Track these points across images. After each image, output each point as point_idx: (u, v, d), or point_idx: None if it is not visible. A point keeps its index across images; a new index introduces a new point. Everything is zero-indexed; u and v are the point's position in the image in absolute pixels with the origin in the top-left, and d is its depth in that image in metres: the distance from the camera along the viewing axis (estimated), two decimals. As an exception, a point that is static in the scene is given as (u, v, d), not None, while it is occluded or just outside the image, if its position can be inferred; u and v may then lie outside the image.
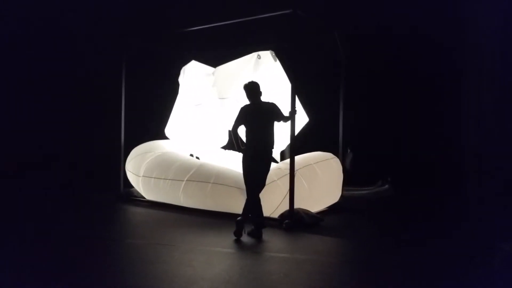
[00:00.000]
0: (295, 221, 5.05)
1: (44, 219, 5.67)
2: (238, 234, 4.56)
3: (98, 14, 8.98)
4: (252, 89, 4.84)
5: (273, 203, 5.30)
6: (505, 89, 6.86)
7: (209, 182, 5.72)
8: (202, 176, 5.85)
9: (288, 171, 5.24)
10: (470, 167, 7.52)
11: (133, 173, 6.75)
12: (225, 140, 6.72)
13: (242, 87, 4.92)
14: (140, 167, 6.59)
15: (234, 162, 6.43)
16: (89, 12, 9.01)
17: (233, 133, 5.79)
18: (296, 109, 5.11)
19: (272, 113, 4.81)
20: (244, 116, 4.82)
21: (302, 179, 5.47)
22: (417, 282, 3.37)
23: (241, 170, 4.85)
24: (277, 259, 3.90)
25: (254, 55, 6.20)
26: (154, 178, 6.30)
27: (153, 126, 7.95)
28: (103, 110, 8.87)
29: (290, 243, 4.55)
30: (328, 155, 6.25)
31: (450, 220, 5.81)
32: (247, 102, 4.92)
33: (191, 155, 6.97)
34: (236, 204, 5.26)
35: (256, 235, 4.61)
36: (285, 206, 5.20)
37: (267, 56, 6.21)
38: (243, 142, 5.43)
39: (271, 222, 5.06)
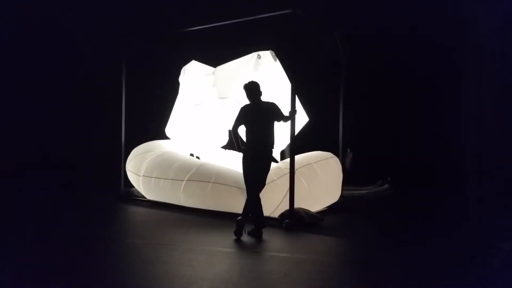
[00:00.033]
0: (295, 220, 5.05)
1: (44, 219, 5.67)
2: (238, 233, 4.56)
3: (98, 14, 8.99)
4: (252, 89, 4.84)
5: (273, 202, 5.30)
6: (505, 89, 6.86)
7: (210, 182, 5.72)
8: (202, 176, 5.85)
9: (287, 171, 5.24)
10: (470, 167, 7.52)
11: (133, 173, 6.75)
12: (225, 140, 6.72)
13: (242, 87, 4.92)
14: (141, 166, 6.59)
15: (234, 162, 6.43)
16: (89, 12, 9.01)
17: (233, 133, 5.79)
18: (296, 109, 5.11)
19: (272, 113, 4.81)
20: (244, 116, 4.82)
21: (302, 179, 5.47)
22: (417, 282, 3.37)
23: (241, 170, 4.85)
24: (277, 259, 3.90)
25: (254, 55, 6.20)
26: (155, 178, 6.30)
27: (153, 126, 7.95)
28: (103, 110, 8.88)
29: (290, 243, 4.55)
30: (328, 154, 6.25)
31: (450, 220, 5.81)
32: (247, 102, 4.92)
33: (191, 154, 6.97)
34: (236, 203, 5.27)
35: (256, 234, 4.61)
36: (285, 206, 5.21)
37: (267, 56, 6.21)
38: (243, 142, 5.43)
39: (271, 222, 5.06)
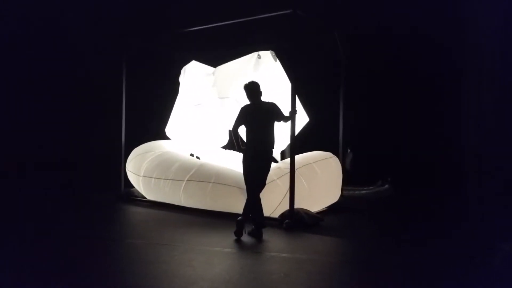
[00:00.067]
0: (295, 221, 5.05)
1: (44, 219, 5.67)
2: (238, 234, 4.56)
3: (98, 14, 8.98)
4: (252, 89, 4.84)
5: (272, 202, 5.30)
6: (505, 89, 6.86)
7: (210, 182, 5.72)
8: (202, 176, 5.85)
9: (287, 171, 5.25)
10: (470, 167, 7.52)
11: (133, 173, 6.75)
12: (225, 140, 6.72)
13: (242, 87, 4.92)
14: (141, 167, 6.59)
15: (234, 162, 6.43)
16: (89, 12, 9.01)
17: (233, 133, 5.79)
18: (296, 109, 5.11)
19: (272, 113, 4.81)
20: (244, 116, 4.82)
21: (302, 178, 5.47)
22: (417, 282, 3.37)
23: (241, 170, 4.85)
24: (278, 259, 3.90)
25: (254, 55, 6.20)
26: (155, 178, 6.30)
27: (153, 126, 7.95)
28: (103, 110, 8.87)
29: (290, 243, 4.54)
30: (327, 154, 6.25)
31: (450, 220, 5.81)
32: (247, 102, 4.92)
33: (192, 155, 6.97)
34: (236, 203, 5.26)
35: (257, 235, 4.61)
36: (285, 206, 5.21)
37: (267, 56, 6.21)
38: (244, 142, 5.43)
39: (271, 222, 5.06)
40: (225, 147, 6.87)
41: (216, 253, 4.02)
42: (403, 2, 7.83)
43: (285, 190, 5.25)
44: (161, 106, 7.74)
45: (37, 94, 8.93)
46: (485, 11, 7.30)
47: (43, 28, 8.85)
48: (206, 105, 6.67)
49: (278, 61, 6.25)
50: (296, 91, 5.21)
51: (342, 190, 6.49)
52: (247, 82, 4.90)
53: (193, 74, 6.89)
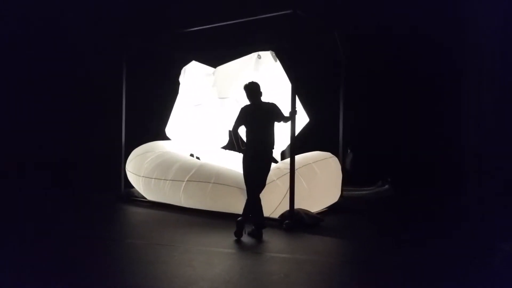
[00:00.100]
0: (295, 221, 5.05)
1: (44, 219, 5.67)
2: (238, 234, 4.56)
3: (98, 14, 8.98)
4: (252, 89, 4.84)
5: (272, 203, 5.30)
6: (505, 89, 6.86)
7: (210, 182, 5.72)
8: (202, 176, 5.85)
9: (286, 171, 5.24)
10: (470, 167, 7.52)
11: (133, 174, 6.75)
12: (225, 140, 6.73)
13: (242, 87, 4.92)
14: (141, 167, 6.59)
15: (234, 162, 6.43)
16: (89, 12, 9.00)
17: (233, 134, 5.79)
18: (296, 109, 5.11)
19: (272, 113, 4.81)
20: (244, 117, 4.82)
21: (301, 179, 5.47)
22: (417, 282, 3.37)
23: (241, 170, 4.85)
24: (278, 260, 3.90)
25: (254, 55, 6.20)
26: (155, 178, 6.30)
27: (153, 126, 7.95)
28: (103, 110, 8.87)
29: (290, 244, 4.54)
30: (327, 154, 6.25)
31: (450, 220, 5.81)
32: (247, 102, 4.92)
33: (191, 155, 6.97)
34: (236, 204, 5.26)
35: (257, 235, 4.61)
36: (285, 206, 5.20)
37: (267, 56, 6.21)
38: (244, 142, 5.43)
39: (271, 223, 5.06)
40: (225, 147, 6.87)
41: (216, 254, 4.02)
42: (403, 2, 7.83)
43: (285, 190, 5.25)
44: (161, 106, 7.74)
45: (37, 94, 8.93)
46: (485, 11, 7.30)
47: (43, 28, 8.84)
48: (206, 105, 6.67)
49: (278, 61, 6.25)
50: (296, 91, 5.21)
51: (342, 190, 6.49)
52: (247, 82, 4.90)
53: (193, 74, 6.89)
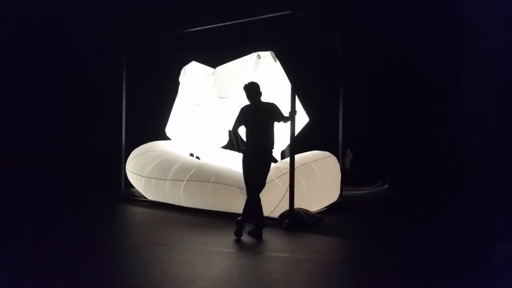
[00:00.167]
0: (295, 221, 5.05)
1: (44, 219, 5.67)
2: (238, 234, 4.56)
3: (98, 14, 8.99)
4: (252, 89, 4.84)
5: (272, 202, 5.30)
6: (505, 89, 6.87)
7: (210, 182, 5.72)
8: (202, 176, 5.86)
9: (286, 171, 5.25)
10: (470, 167, 7.53)
11: (133, 173, 6.75)
12: (225, 140, 6.73)
13: (242, 87, 4.93)
14: (141, 167, 6.59)
15: (234, 162, 6.43)
16: (89, 12, 9.01)
17: (233, 133, 5.79)
18: (296, 109, 5.11)
19: (272, 113, 4.82)
20: (244, 117, 4.83)
21: (301, 178, 5.48)
22: (417, 282, 3.37)
23: (241, 170, 4.85)
24: (277, 259, 3.90)
25: (254, 55, 6.20)
26: (155, 178, 6.30)
27: (153, 126, 7.96)
28: (103, 110, 8.88)
29: (290, 243, 4.55)
30: (325, 153, 6.26)
31: (450, 220, 5.81)
32: (247, 102, 4.92)
33: (191, 154, 6.98)
34: (236, 203, 5.27)
35: (256, 235, 4.61)
36: (284, 206, 5.21)
37: (267, 56, 6.22)
38: (243, 142, 5.44)
39: (271, 222, 5.07)
40: (225, 147, 6.87)
41: (216, 253, 4.02)
42: (403, 3, 7.84)
43: (284, 190, 5.26)
44: (161, 106, 7.75)
45: (37, 94, 8.94)
46: (485, 12, 7.31)
47: (43, 28, 8.85)
48: (206, 105, 6.68)
49: (277, 61, 6.26)
50: (296, 91, 5.21)
51: (342, 190, 6.50)
52: (246, 82, 4.90)
53: (193, 74, 6.90)
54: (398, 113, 8.75)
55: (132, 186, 7.03)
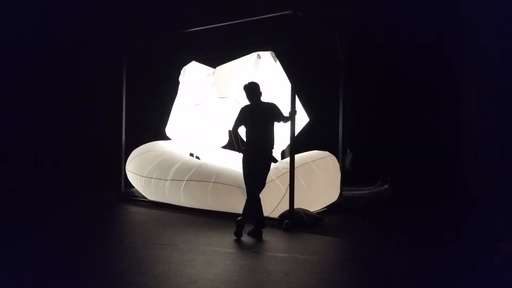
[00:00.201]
0: (295, 221, 5.05)
1: (44, 219, 5.68)
2: (238, 234, 4.56)
3: (98, 14, 8.99)
4: (252, 89, 4.84)
5: (271, 202, 5.30)
6: (505, 89, 6.87)
7: (210, 182, 5.72)
8: (202, 176, 5.86)
9: (285, 171, 5.25)
10: (470, 167, 7.53)
11: (133, 173, 6.75)
12: (225, 139, 6.73)
13: (242, 87, 4.93)
14: (141, 167, 6.60)
15: (234, 162, 6.43)
16: (89, 12, 9.01)
17: (233, 133, 5.79)
18: (296, 109, 5.11)
19: (272, 113, 4.82)
20: (244, 117, 4.83)
21: (300, 178, 5.48)
22: (417, 281, 3.37)
23: (241, 169, 4.85)
24: (277, 259, 3.90)
25: (254, 55, 6.20)
26: (155, 178, 6.30)
27: (153, 126, 7.96)
28: (103, 110, 8.88)
29: (290, 243, 4.55)
30: (325, 153, 6.26)
31: (450, 220, 5.81)
32: (247, 102, 4.92)
33: (191, 154, 6.98)
34: (236, 203, 5.27)
35: (256, 235, 4.61)
36: (284, 206, 5.21)
37: (267, 56, 6.21)
38: (243, 142, 5.44)
39: (271, 222, 5.07)
40: (225, 147, 6.87)
41: (216, 253, 4.02)
42: (403, 3, 7.85)
43: (284, 190, 5.25)
44: (161, 106, 7.75)
45: (37, 94, 8.94)
46: (485, 12, 7.31)
47: (43, 28, 8.85)
48: (206, 105, 6.68)
49: (277, 61, 6.26)
50: (296, 91, 5.21)
51: (342, 190, 6.50)
52: (246, 82, 4.90)
53: (193, 74, 6.90)
54: (398, 113, 8.75)
55: (132, 186, 7.03)
